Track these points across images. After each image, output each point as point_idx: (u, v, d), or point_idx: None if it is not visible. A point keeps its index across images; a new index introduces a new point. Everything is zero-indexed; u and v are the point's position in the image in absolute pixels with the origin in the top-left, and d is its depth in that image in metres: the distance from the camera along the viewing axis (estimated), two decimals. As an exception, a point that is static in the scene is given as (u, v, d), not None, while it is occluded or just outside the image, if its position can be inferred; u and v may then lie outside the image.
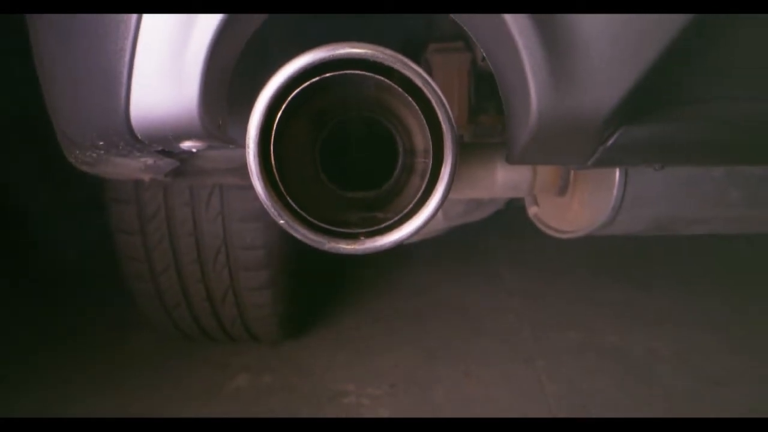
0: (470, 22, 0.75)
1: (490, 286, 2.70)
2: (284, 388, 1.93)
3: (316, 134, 0.85)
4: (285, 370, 2.03)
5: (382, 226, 0.77)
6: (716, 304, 2.45)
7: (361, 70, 0.70)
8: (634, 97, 0.70)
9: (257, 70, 0.87)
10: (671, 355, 2.07)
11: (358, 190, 0.88)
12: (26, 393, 1.90)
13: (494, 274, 2.83)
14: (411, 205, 0.76)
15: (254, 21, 0.75)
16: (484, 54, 0.78)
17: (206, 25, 0.69)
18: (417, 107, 0.72)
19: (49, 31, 0.80)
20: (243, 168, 1.23)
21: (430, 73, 1.32)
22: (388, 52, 0.68)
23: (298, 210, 0.75)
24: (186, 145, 0.79)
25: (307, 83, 0.70)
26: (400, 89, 0.71)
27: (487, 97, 1.40)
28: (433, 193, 0.75)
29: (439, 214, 1.89)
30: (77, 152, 0.89)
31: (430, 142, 0.74)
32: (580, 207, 1.28)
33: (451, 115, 0.71)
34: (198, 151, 0.83)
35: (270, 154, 0.72)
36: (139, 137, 0.76)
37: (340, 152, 0.89)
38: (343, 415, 1.78)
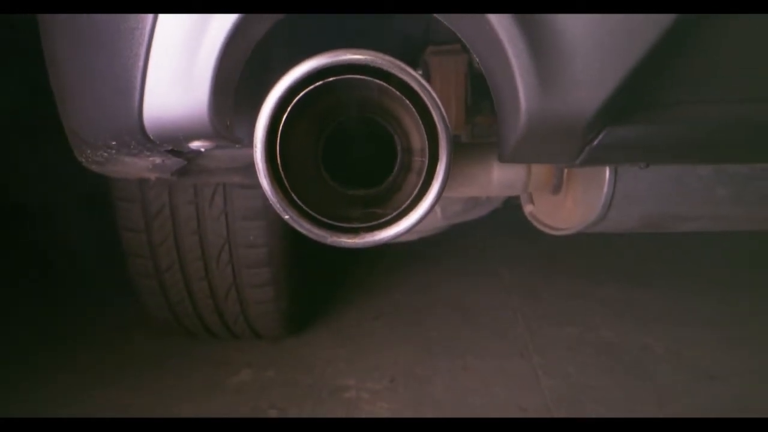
0: (457, 24, 0.77)
1: (488, 284, 2.72)
2: (286, 382, 1.96)
3: (319, 135, 0.88)
4: (287, 366, 2.05)
5: (381, 221, 0.81)
6: (712, 301, 2.49)
7: (361, 74, 0.74)
8: (617, 100, 0.73)
9: (260, 73, 0.91)
10: (666, 351, 2.11)
11: (359, 187, 0.92)
12: (26, 393, 1.89)
13: (493, 273, 2.86)
14: (408, 202, 0.80)
15: (265, 23, 0.77)
16: (475, 56, 0.81)
17: (219, 27, 0.72)
18: (414, 109, 0.76)
19: (64, 35, 0.83)
20: (246, 167, 1.27)
21: (428, 75, 1.36)
22: (387, 58, 0.72)
23: (302, 206, 0.79)
24: (195, 144, 0.82)
25: (311, 87, 0.74)
26: (398, 92, 0.75)
27: (483, 98, 1.42)
28: (429, 190, 0.79)
29: (438, 212, 1.93)
30: (88, 152, 0.91)
31: (427, 142, 0.77)
32: (573, 205, 1.30)
33: (446, 117, 0.75)
34: (206, 150, 0.86)
35: (276, 154, 0.76)
36: (151, 137, 0.79)
37: (342, 152, 0.93)
38: (344, 409, 1.81)
